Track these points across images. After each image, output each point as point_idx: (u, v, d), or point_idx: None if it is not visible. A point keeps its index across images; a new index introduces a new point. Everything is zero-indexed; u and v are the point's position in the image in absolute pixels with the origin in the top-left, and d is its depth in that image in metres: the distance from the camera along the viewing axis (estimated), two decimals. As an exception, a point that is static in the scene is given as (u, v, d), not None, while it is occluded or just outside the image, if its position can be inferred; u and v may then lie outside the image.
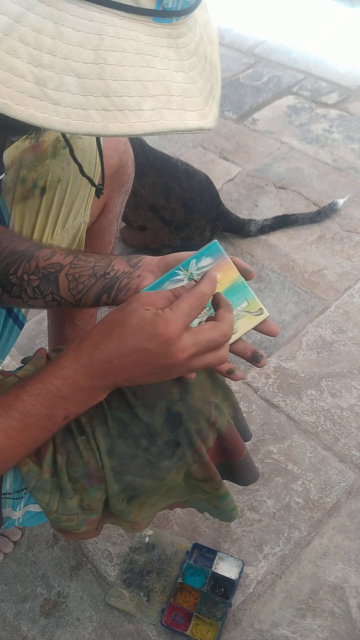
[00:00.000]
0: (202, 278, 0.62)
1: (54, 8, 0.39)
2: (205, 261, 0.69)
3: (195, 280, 0.67)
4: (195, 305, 0.59)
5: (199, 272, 0.68)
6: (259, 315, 0.71)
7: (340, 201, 1.79)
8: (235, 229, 1.73)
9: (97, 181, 0.92)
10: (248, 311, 0.71)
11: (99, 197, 0.91)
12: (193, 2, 0.45)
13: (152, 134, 0.43)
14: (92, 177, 0.91)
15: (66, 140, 0.83)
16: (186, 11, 0.44)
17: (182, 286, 0.63)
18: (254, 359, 0.70)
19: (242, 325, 0.71)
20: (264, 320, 0.71)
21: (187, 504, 0.87)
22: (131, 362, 0.59)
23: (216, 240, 0.70)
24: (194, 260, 0.69)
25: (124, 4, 0.40)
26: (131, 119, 0.42)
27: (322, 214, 1.78)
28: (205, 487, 0.77)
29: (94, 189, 0.91)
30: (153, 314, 0.58)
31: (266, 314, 0.71)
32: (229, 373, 0.69)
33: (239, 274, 0.70)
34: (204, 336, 0.59)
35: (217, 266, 0.69)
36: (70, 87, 0.40)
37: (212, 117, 0.48)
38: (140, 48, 0.42)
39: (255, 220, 1.74)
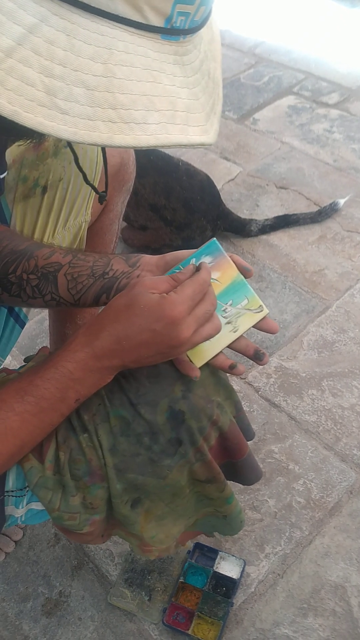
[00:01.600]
0: (200, 267, 0.66)
1: (67, 21, 0.40)
2: (205, 260, 0.69)
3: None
4: (199, 291, 0.63)
5: None
6: (259, 312, 0.71)
7: (341, 201, 1.79)
8: (236, 228, 1.73)
9: (97, 182, 0.92)
10: (248, 309, 0.71)
11: (102, 204, 0.92)
12: (200, 22, 0.46)
13: (155, 146, 0.44)
14: (93, 177, 0.91)
15: (72, 150, 0.84)
16: (193, 30, 0.46)
17: (181, 271, 0.66)
18: (257, 357, 0.71)
19: (243, 323, 0.71)
20: (264, 318, 0.71)
21: (196, 528, 0.87)
22: (138, 343, 0.62)
23: (215, 238, 0.70)
24: (194, 260, 0.69)
25: (135, 21, 0.42)
26: (136, 131, 0.43)
27: (323, 214, 1.78)
28: (211, 491, 0.77)
29: (95, 185, 0.91)
30: (159, 296, 0.62)
31: (266, 311, 0.71)
32: (231, 368, 0.70)
33: (238, 272, 0.71)
34: (200, 311, 0.63)
35: (216, 264, 0.69)
36: (79, 98, 0.41)
37: (212, 133, 0.50)
38: (148, 64, 0.43)
39: (256, 220, 1.74)
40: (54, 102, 0.40)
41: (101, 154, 0.91)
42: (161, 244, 1.65)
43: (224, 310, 0.70)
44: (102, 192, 0.85)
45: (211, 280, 0.67)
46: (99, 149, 0.91)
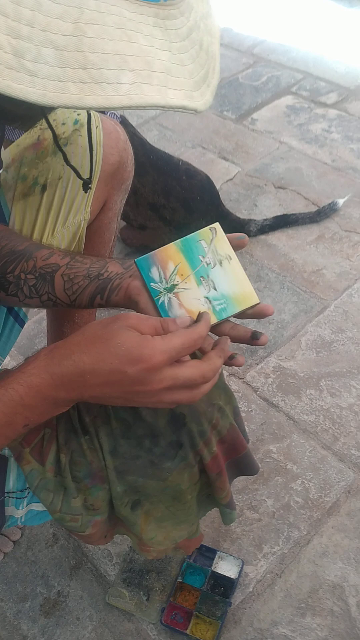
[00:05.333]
0: (200, 320, 0.62)
1: None
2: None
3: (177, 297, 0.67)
4: (189, 345, 0.58)
5: (174, 282, 0.68)
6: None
7: (341, 201, 1.79)
8: (235, 229, 1.73)
9: (99, 171, 0.91)
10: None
11: (86, 192, 0.90)
12: None
13: (129, 107, 0.42)
14: (91, 168, 0.90)
15: (60, 149, 0.83)
16: None
17: (173, 319, 0.61)
18: (254, 337, 0.67)
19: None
20: (257, 305, 0.70)
21: (195, 534, 0.86)
22: (105, 382, 0.57)
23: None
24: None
25: None
26: (109, 91, 0.41)
27: (322, 214, 1.78)
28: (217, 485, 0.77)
29: (94, 185, 0.91)
30: (142, 337, 0.57)
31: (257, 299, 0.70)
32: (230, 359, 0.66)
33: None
34: (183, 373, 0.58)
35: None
36: (48, 59, 0.40)
37: (202, 101, 0.47)
38: (123, 23, 0.42)
39: (255, 220, 1.74)
40: (22, 63, 0.39)
41: (100, 148, 0.91)
42: (160, 244, 1.64)
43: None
44: (87, 178, 0.84)
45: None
46: (98, 142, 0.90)
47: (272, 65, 2.54)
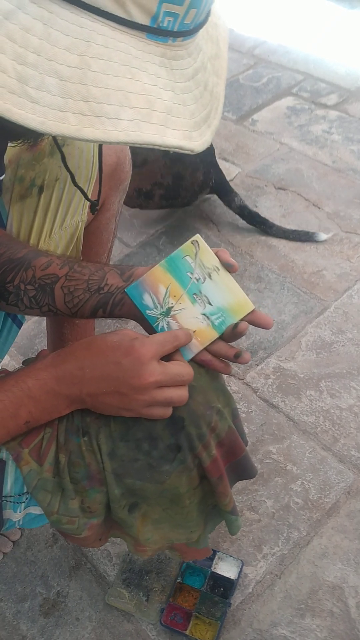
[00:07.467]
0: (181, 330, 0.70)
1: (45, 10, 0.40)
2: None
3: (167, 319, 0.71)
4: (169, 340, 0.66)
5: (169, 306, 0.70)
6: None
7: (323, 236, 1.73)
8: (220, 191, 1.74)
9: (94, 182, 0.92)
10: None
11: (93, 213, 0.92)
12: (192, 27, 0.45)
13: (126, 143, 0.44)
14: (89, 176, 0.91)
15: (59, 148, 0.84)
16: (184, 34, 0.45)
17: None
18: (237, 356, 0.72)
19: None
20: (253, 312, 0.72)
21: (198, 544, 0.86)
22: (101, 375, 0.64)
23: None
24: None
25: (117, 16, 0.41)
26: (107, 126, 0.42)
27: (297, 237, 1.74)
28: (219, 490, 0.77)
29: (91, 187, 0.91)
30: (132, 338, 0.65)
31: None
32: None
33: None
34: (171, 369, 0.65)
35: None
36: (51, 88, 0.41)
37: (200, 142, 0.49)
38: (128, 60, 0.43)
39: (241, 197, 1.76)
40: (25, 90, 0.40)
41: (97, 155, 0.91)
42: (152, 183, 1.66)
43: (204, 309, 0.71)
44: (95, 200, 0.85)
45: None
46: (95, 149, 0.91)
47: (272, 66, 2.54)
